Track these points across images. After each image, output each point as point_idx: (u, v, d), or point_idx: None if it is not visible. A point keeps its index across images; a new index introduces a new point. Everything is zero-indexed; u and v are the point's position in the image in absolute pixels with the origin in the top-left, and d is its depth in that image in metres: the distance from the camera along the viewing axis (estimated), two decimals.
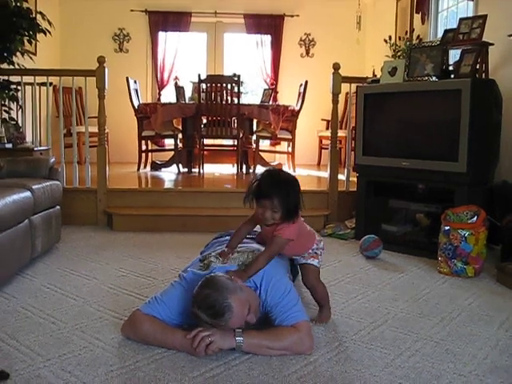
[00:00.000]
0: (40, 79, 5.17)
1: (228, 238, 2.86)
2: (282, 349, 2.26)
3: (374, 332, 2.58)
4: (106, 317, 2.69)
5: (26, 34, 5.15)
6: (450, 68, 4.38)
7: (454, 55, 4.73)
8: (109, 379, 2.03)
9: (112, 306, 2.86)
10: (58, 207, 4.12)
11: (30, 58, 5.51)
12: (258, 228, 2.71)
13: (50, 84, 5.27)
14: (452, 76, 4.23)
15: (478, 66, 4.15)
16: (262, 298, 2.35)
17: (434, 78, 4.22)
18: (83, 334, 2.47)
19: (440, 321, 2.75)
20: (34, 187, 3.59)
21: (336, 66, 5.07)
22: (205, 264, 2.48)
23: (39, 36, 5.46)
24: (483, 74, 4.17)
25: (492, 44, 4.20)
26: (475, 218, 3.57)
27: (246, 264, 2.43)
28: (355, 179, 4.82)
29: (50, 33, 5.27)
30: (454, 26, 4.46)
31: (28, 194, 3.46)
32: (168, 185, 6.03)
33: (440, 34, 4.85)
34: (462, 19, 4.43)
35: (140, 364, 2.16)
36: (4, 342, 2.35)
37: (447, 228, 3.61)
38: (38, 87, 5.21)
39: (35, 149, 4.85)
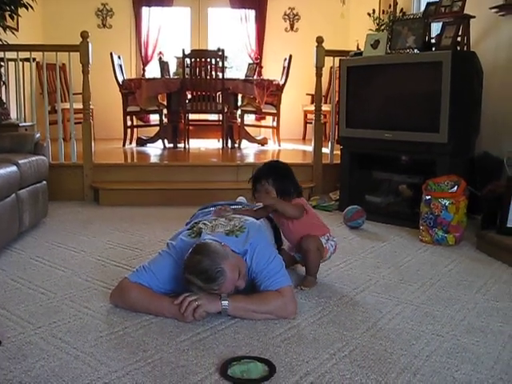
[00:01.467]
0: (23, 55, 5.15)
1: (212, 208, 2.92)
2: (267, 312, 2.33)
3: (356, 297, 2.66)
4: (94, 287, 2.75)
5: (8, 8, 5.11)
6: (432, 41, 4.42)
7: (436, 29, 4.76)
8: (98, 344, 2.09)
9: (100, 276, 2.91)
10: (44, 182, 4.14)
11: (13, 33, 5.48)
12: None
13: (34, 60, 5.25)
14: (433, 48, 4.28)
15: (459, 39, 4.19)
16: (247, 264, 2.41)
17: (415, 51, 4.27)
18: (72, 303, 2.53)
19: (420, 286, 2.83)
20: (19, 162, 3.61)
21: (319, 40, 5.09)
22: (194, 231, 2.53)
23: (21, 11, 5.42)
24: (465, 47, 4.22)
25: (473, 17, 4.24)
26: (455, 188, 3.65)
27: (232, 230, 2.49)
28: (339, 153, 4.88)
29: (32, 7, 5.24)
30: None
31: (14, 168, 3.48)
32: (154, 160, 6.06)
33: (423, 8, 4.88)
34: None
35: (129, 330, 2.23)
36: None
37: (428, 197, 3.69)
38: (21, 63, 5.19)
39: (20, 124, 4.85)
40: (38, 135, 4.23)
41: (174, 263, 2.42)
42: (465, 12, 4.21)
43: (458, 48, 4.17)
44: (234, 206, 2.97)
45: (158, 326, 2.27)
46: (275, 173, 2.85)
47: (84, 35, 4.86)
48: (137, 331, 2.21)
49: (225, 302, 2.28)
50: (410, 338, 2.19)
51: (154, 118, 7.82)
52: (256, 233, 2.49)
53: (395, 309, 2.51)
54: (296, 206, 2.79)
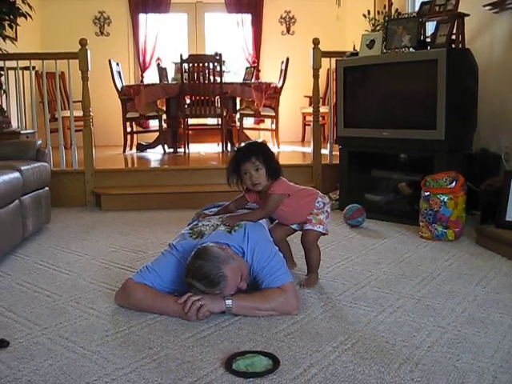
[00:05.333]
0: (22, 63, 5.20)
1: (214, 209, 2.95)
2: (270, 310, 2.36)
3: (358, 293, 2.69)
4: (99, 289, 2.79)
5: (7, 18, 5.16)
6: (428, 40, 4.46)
7: (431, 28, 4.80)
8: (105, 343, 2.12)
9: (104, 278, 2.95)
10: (46, 188, 4.18)
11: (12, 42, 5.53)
12: None
13: (33, 68, 5.30)
14: (428, 47, 4.31)
15: (454, 37, 4.23)
16: (248, 262, 2.45)
17: (410, 50, 4.31)
18: (78, 304, 2.57)
19: (421, 280, 2.86)
20: (22, 168, 3.65)
21: (316, 41, 5.14)
22: (195, 232, 2.57)
23: (19, 21, 5.47)
24: (460, 45, 4.26)
25: (467, 15, 4.28)
26: (454, 184, 3.68)
27: (232, 228, 2.55)
28: (338, 153, 4.90)
29: (30, 16, 5.29)
30: None
31: (17, 174, 3.52)
32: (154, 164, 6.10)
33: (418, 8, 4.92)
34: None
35: (134, 329, 2.26)
36: (2, 315, 2.44)
37: (427, 194, 3.72)
38: (20, 72, 5.23)
39: (21, 132, 4.89)
40: (39, 142, 4.27)
41: (177, 263, 2.46)
42: (459, 10, 4.25)
43: (453, 46, 4.21)
44: (217, 208, 2.99)
45: (163, 324, 2.30)
46: (263, 151, 2.70)
47: (83, 42, 4.92)
48: (142, 330, 2.25)
49: (228, 302, 2.31)
50: (411, 330, 2.22)
51: (154, 124, 7.87)
52: (253, 229, 2.54)
53: (396, 303, 2.54)
54: (270, 201, 2.69)
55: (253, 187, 2.69)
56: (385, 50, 4.49)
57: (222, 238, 2.47)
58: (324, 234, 2.86)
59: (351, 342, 2.11)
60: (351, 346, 2.08)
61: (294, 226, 2.91)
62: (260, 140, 7.44)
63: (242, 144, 2.84)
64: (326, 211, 2.85)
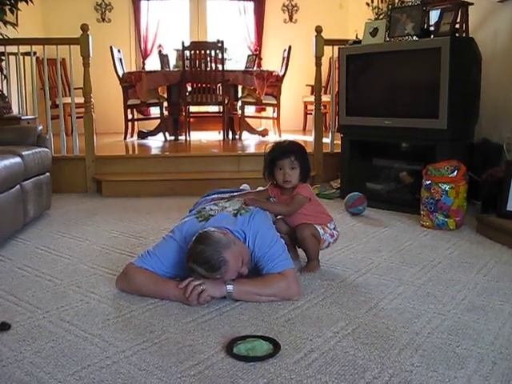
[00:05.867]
0: (24, 49, 5.18)
1: (215, 196, 2.95)
2: (271, 295, 2.37)
3: (359, 279, 2.70)
4: (100, 273, 2.79)
5: (8, 3, 5.13)
6: (431, 28, 4.44)
7: (435, 17, 4.77)
8: (106, 327, 2.13)
9: (105, 263, 2.95)
10: (47, 174, 4.18)
11: (13, 27, 5.50)
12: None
13: (34, 54, 5.28)
14: (432, 35, 4.29)
15: (458, 26, 4.21)
16: (250, 248, 2.45)
17: (414, 38, 4.29)
18: (79, 288, 2.57)
19: (421, 268, 2.87)
20: (23, 153, 3.65)
21: (318, 29, 5.13)
22: (202, 215, 2.57)
23: (20, 6, 5.43)
24: (463, 33, 4.24)
25: (472, 4, 4.26)
26: (455, 173, 3.68)
27: (239, 209, 2.57)
28: (340, 142, 4.89)
29: (32, 1, 5.25)
30: None
31: (18, 159, 3.52)
32: (155, 151, 6.08)
33: None
34: None
35: (135, 313, 2.27)
36: (3, 298, 2.44)
37: (428, 182, 3.72)
38: (21, 57, 5.21)
39: (22, 118, 4.87)
40: (40, 128, 4.26)
41: (178, 247, 2.46)
42: None
43: (457, 34, 4.19)
44: (236, 194, 3.00)
45: (164, 308, 2.31)
46: (302, 151, 2.79)
47: (84, 28, 4.89)
48: (143, 314, 2.25)
49: (229, 287, 2.32)
50: (411, 316, 2.23)
51: (155, 111, 7.84)
52: (258, 215, 2.54)
53: (397, 289, 2.55)
54: (293, 201, 2.76)
55: (283, 183, 2.75)
56: (388, 38, 4.47)
57: (226, 219, 2.48)
58: (319, 241, 2.82)
59: (352, 327, 2.12)
60: (352, 331, 2.08)
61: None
62: (261, 128, 7.49)
63: (281, 141, 2.93)
64: (333, 233, 2.89)
